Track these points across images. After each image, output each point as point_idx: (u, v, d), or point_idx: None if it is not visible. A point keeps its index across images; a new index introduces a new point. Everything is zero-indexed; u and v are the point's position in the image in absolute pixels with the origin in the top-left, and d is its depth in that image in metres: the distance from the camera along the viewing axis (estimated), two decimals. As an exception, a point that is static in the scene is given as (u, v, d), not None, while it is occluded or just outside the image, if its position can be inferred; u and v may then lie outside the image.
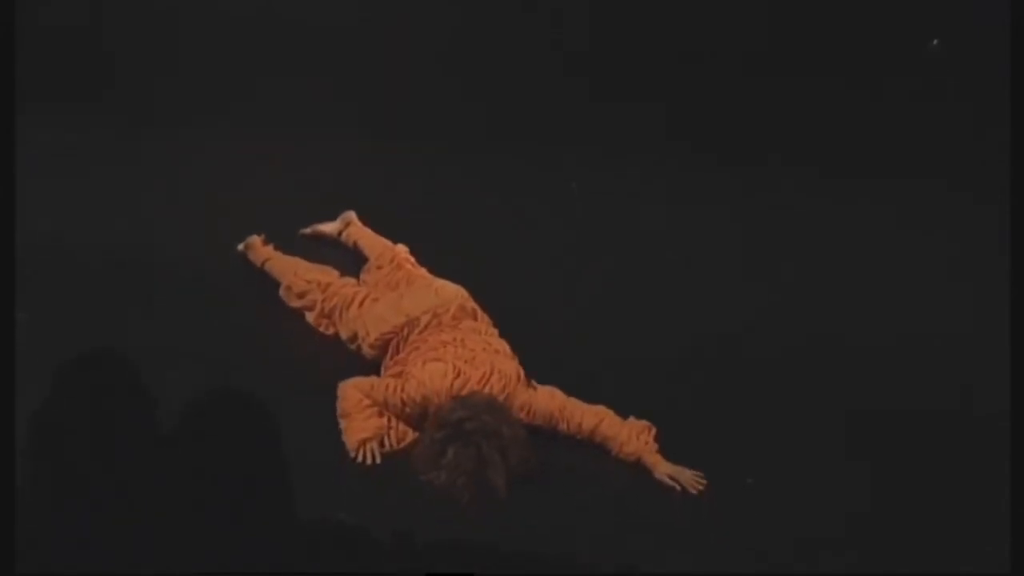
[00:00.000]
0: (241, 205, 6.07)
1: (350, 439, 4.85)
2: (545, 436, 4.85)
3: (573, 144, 6.50)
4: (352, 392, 4.94)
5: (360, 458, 4.82)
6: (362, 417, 4.88)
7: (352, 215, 5.89)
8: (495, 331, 5.15)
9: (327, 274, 5.50)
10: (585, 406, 4.88)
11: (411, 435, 4.88)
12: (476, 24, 6.96)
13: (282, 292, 5.51)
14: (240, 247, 5.74)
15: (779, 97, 6.59)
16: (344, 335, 5.28)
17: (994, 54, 5.56)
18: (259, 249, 5.71)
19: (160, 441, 2.98)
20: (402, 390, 4.88)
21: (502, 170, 6.38)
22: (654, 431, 4.82)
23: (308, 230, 5.87)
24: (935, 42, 6.50)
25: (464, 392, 4.80)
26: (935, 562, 4.28)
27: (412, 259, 5.59)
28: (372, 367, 5.13)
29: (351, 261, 5.66)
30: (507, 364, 4.94)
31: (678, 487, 4.68)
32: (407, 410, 4.88)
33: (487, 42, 6.90)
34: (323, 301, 5.37)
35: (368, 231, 5.81)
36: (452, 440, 4.64)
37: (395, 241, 5.68)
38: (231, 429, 2.95)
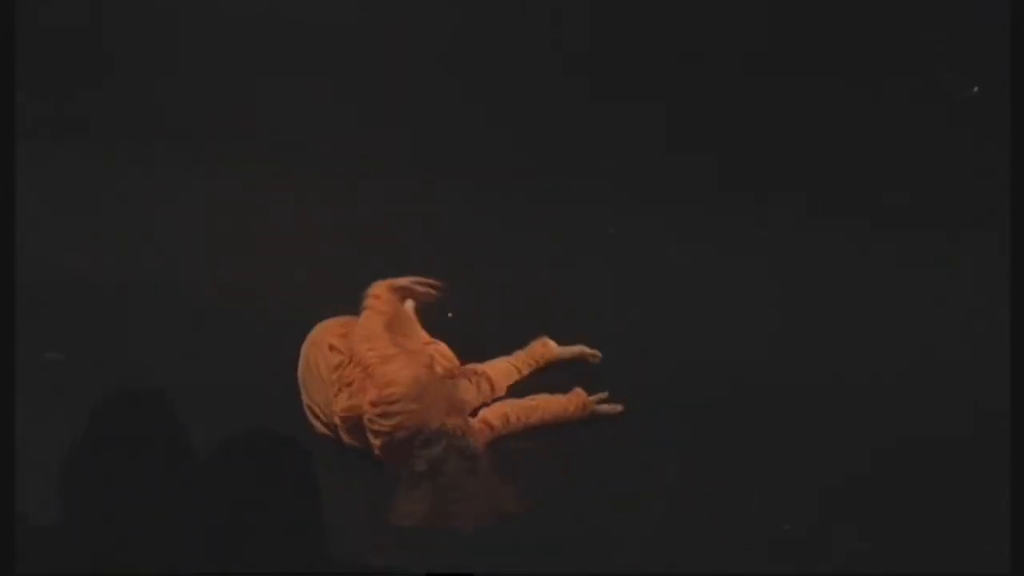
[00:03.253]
0: (256, 225, 6.06)
1: None
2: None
3: (574, 145, 6.48)
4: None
5: None
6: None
7: None
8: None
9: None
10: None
11: None
12: (476, 24, 6.96)
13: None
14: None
15: (778, 120, 6.56)
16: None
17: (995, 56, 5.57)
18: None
19: (190, 472, 2.99)
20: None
21: (506, 174, 6.35)
22: (582, 395, 5.17)
23: None
24: (975, 89, 6.49)
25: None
26: (935, 562, 4.29)
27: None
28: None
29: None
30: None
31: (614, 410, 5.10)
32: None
33: (487, 42, 6.90)
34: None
35: None
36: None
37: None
38: (259, 461, 2.95)
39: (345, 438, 4.99)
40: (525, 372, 5.36)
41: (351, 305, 5.16)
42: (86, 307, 5.59)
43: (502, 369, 5.32)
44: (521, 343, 5.37)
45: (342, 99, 6.73)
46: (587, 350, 5.42)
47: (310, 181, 6.27)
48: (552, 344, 5.42)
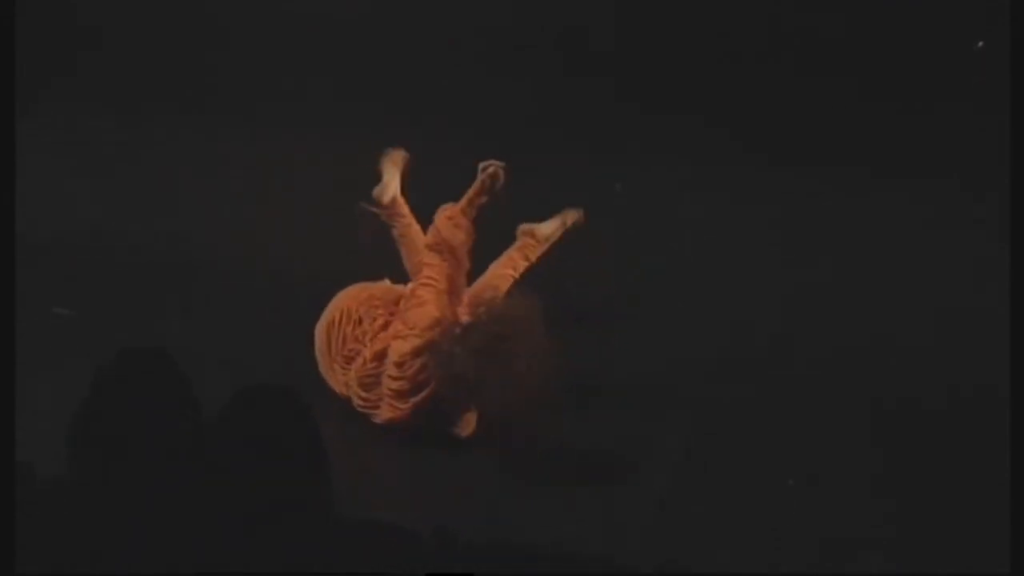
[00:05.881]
0: (277, 202, 6.10)
1: None
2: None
3: (606, 142, 6.48)
4: None
5: None
6: None
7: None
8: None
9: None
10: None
11: None
12: (497, 22, 6.97)
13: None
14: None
15: (809, 97, 6.54)
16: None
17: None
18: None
19: (198, 438, 3.01)
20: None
21: (532, 167, 6.32)
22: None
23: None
24: (980, 44, 6.47)
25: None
26: (935, 562, 4.29)
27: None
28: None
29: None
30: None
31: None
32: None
33: (505, 39, 6.91)
34: None
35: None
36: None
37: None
38: (269, 427, 2.97)
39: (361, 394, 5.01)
40: (521, 269, 5.31)
41: (365, 268, 5.25)
42: (97, 264, 5.67)
43: (494, 282, 5.24)
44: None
45: (366, 77, 6.75)
46: (569, 216, 5.38)
47: (324, 144, 6.33)
48: (537, 228, 5.36)
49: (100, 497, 2.96)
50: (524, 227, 5.36)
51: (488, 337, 4.72)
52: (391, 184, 5.29)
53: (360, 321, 5.06)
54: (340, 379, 5.06)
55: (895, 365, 5.19)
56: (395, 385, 4.92)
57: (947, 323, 5.38)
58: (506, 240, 5.73)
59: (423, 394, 4.89)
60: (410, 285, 5.12)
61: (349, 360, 5.03)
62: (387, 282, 5.26)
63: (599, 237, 5.49)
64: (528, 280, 5.27)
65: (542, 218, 5.64)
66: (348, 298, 5.17)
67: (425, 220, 5.76)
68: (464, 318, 4.86)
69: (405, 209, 5.30)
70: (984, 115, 6.05)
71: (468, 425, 4.92)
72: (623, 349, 5.32)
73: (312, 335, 5.17)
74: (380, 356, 4.96)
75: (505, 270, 5.29)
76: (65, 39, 6.71)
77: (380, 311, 5.08)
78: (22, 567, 2.98)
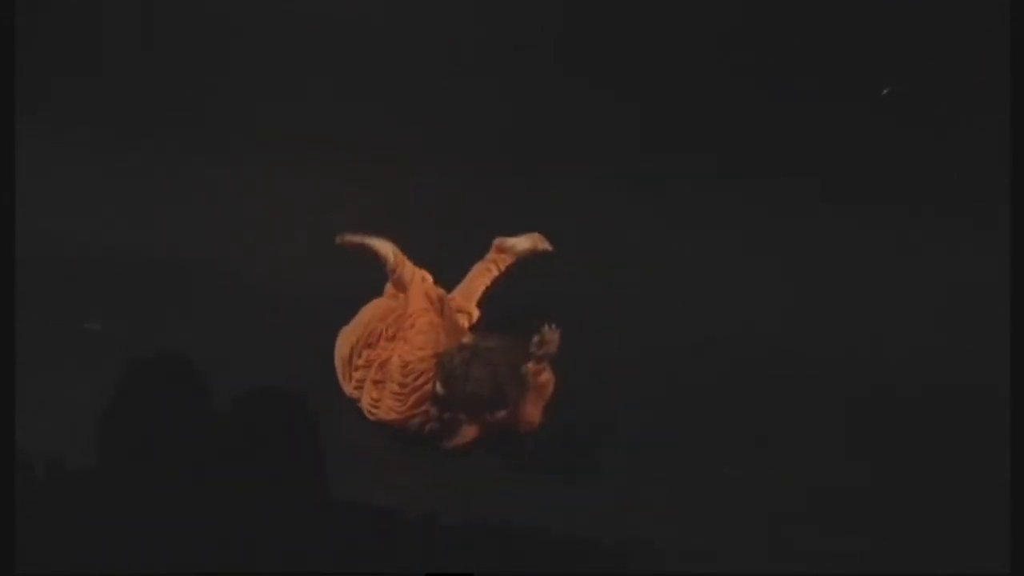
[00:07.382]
0: (277, 204, 6.12)
1: None
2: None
3: (606, 142, 6.48)
4: None
5: None
6: None
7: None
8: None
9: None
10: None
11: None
12: (493, 28, 6.96)
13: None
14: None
15: (782, 113, 6.54)
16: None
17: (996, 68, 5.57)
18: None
19: (202, 438, 3.02)
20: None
21: (531, 167, 6.34)
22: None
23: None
24: (885, 92, 6.49)
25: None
26: (935, 562, 4.29)
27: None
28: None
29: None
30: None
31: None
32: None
33: (505, 39, 6.91)
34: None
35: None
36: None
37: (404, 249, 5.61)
38: (269, 426, 2.98)
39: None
40: (493, 275, 5.46)
41: (365, 269, 5.29)
42: (97, 266, 5.67)
43: (469, 293, 5.41)
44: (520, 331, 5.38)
45: (366, 77, 6.75)
46: (539, 243, 5.53)
47: (324, 146, 6.32)
48: (511, 242, 5.49)
49: (102, 496, 2.97)
50: (499, 241, 5.53)
51: (507, 355, 4.86)
52: (389, 251, 5.35)
53: (393, 337, 5.14)
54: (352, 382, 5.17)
55: (895, 365, 5.19)
56: (396, 391, 5.02)
57: (947, 323, 5.37)
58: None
59: (417, 399, 5.01)
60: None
61: (367, 366, 5.13)
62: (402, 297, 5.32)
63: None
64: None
65: (542, 216, 5.70)
66: (374, 316, 5.25)
67: (423, 220, 5.82)
68: (471, 339, 5.00)
69: (405, 260, 5.34)
70: (984, 115, 6.07)
71: (464, 437, 5.01)
72: (619, 347, 5.31)
73: (313, 337, 5.25)
74: (385, 364, 5.09)
75: (480, 278, 5.46)
76: (65, 39, 6.72)
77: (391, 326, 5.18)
78: (22, 567, 2.98)
